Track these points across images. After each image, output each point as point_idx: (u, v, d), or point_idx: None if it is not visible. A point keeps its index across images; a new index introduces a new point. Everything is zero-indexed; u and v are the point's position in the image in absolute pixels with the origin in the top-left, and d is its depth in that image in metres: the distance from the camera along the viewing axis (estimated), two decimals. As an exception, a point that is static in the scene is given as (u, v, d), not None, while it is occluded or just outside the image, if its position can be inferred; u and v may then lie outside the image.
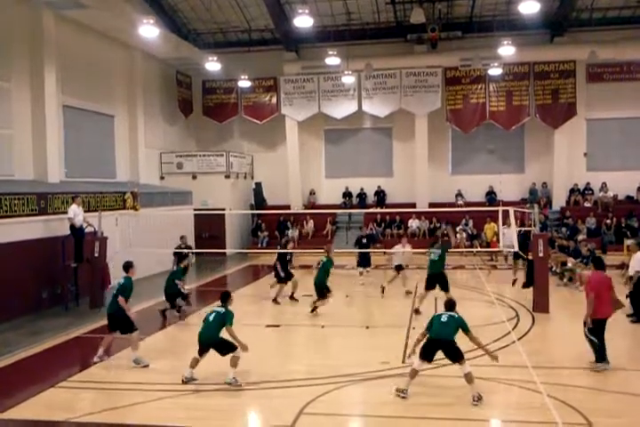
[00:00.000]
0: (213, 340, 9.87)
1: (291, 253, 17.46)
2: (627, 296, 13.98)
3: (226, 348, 9.84)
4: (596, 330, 10.26)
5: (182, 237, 18.14)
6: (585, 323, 10.35)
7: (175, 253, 17.12)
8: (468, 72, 28.59)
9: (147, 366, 10.70)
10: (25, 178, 18.48)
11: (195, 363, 9.87)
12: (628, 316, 14.01)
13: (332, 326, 13.74)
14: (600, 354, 10.21)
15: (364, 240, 19.83)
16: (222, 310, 10.10)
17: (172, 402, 9.03)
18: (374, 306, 16.69)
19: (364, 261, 19.22)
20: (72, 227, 16.45)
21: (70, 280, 16.63)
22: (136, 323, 11.07)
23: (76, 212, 16.47)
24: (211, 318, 10.06)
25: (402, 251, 17.41)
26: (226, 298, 10.29)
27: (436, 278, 14.55)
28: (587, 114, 28.50)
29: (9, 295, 14.47)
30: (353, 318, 14.60)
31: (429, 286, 14.61)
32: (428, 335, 9.26)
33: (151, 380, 10.02)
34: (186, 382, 9.75)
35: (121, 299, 11.00)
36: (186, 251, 17.44)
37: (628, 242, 23.78)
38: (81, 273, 16.71)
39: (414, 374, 9.09)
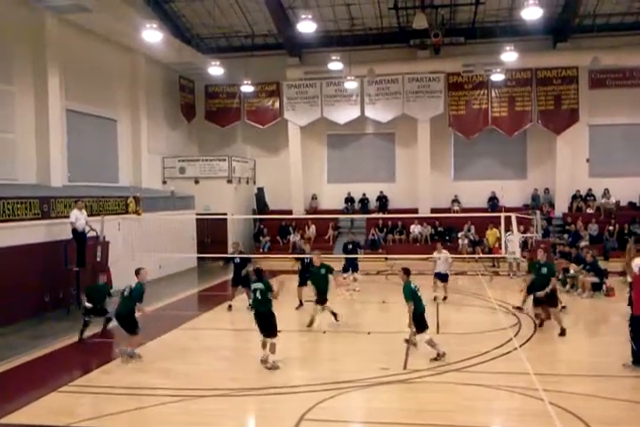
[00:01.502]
0: (264, 310, 11.02)
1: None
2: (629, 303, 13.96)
3: (274, 330, 10.97)
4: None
5: (235, 244, 17.66)
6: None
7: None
8: (471, 78, 28.62)
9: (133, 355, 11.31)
10: (28, 182, 18.51)
11: (265, 344, 10.93)
12: None
13: (333, 331, 13.74)
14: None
15: (350, 246, 19.81)
16: (262, 286, 11.07)
17: (173, 407, 9.01)
18: (376, 312, 16.68)
19: (350, 266, 19.22)
20: (74, 231, 16.48)
21: (72, 284, 16.63)
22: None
23: (77, 216, 16.50)
24: (258, 295, 11.04)
25: (437, 257, 17.23)
26: (261, 273, 11.40)
27: None
28: (589, 120, 28.50)
29: (11, 299, 14.48)
30: (354, 324, 14.58)
31: None
32: (418, 309, 11.17)
33: (153, 384, 10.02)
34: (264, 360, 10.82)
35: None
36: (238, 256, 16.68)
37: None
38: (83, 277, 16.71)
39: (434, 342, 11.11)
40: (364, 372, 10.41)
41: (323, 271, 14.25)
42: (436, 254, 17.35)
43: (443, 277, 17.00)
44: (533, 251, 15.34)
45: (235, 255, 16.65)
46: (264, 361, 10.84)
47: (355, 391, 9.63)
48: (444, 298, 17.04)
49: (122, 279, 18.17)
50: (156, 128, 27.24)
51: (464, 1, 26.24)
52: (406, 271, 11.49)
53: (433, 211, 28.51)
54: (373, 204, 30.33)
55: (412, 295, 11.03)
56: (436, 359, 10.94)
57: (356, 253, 19.88)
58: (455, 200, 29.29)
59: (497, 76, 27.41)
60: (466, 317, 15.46)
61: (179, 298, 18.76)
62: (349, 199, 30.48)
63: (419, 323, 11.10)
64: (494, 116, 28.68)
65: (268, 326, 10.97)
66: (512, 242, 18.56)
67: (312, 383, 9.82)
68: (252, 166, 31.33)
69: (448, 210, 28.66)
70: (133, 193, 21.03)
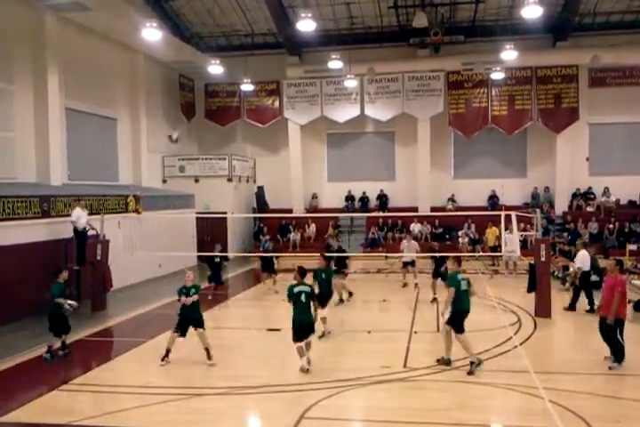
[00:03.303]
0: (311, 320, 10.49)
1: None
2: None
3: (312, 331, 10.54)
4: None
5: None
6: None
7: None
8: (471, 76, 28.61)
9: None
10: (28, 181, 18.51)
11: (302, 352, 10.35)
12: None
13: (334, 330, 13.72)
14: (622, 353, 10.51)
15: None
16: (309, 289, 10.65)
17: (173, 406, 9.01)
18: (376, 310, 16.68)
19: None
20: (75, 230, 16.47)
21: (72, 283, 16.59)
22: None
23: (79, 215, 16.50)
24: (303, 298, 10.47)
25: (406, 245, 18.93)
26: (305, 273, 10.92)
27: None
28: (589, 118, 28.49)
29: (11, 297, 14.47)
30: (354, 323, 14.57)
31: None
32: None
33: (153, 383, 10.02)
34: (307, 369, 10.32)
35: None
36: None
37: (631, 247, 23.89)
38: (83, 276, 16.71)
39: None
40: (365, 370, 10.41)
41: (193, 291, 11.58)
42: (405, 243, 19.11)
43: (411, 264, 18.61)
44: (535, 250, 15.37)
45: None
46: (305, 370, 10.34)
47: (355, 390, 9.63)
48: (416, 284, 18.11)
49: (121, 278, 18.28)
50: (156, 127, 27.22)
51: (464, -1, 26.27)
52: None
53: (433, 209, 28.53)
54: (373, 202, 30.32)
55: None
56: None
57: (343, 259, 20.25)
58: (450, 199, 29.29)
59: (497, 75, 27.42)
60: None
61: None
62: (349, 198, 30.47)
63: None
64: (494, 115, 28.67)
65: (311, 330, 10.60)
66: (510, 240, 18.66)
67: (312, 382, 9.82)
68: (252, 165, 31.33)
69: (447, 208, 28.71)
70: (133, 192, 21.03)
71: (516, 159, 29.78)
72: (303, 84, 29.70)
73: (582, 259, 15.45)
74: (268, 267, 19.44)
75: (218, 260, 17.85)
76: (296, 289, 10.59)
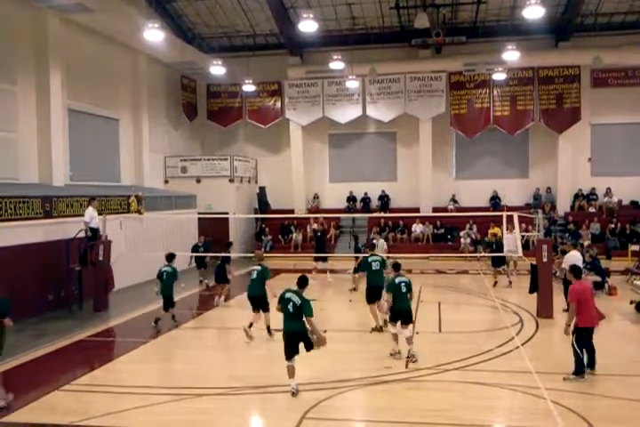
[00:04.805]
0: (301, 332, 9.33)
1: None
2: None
3: (311, 343, 9.42)
4: (583, 339, 9.86)
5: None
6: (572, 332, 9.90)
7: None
8: (473, 77, 28.60)
9: None
10: (30, 181, 18.53)
11: (292, 372, 9.35)
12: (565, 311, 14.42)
13: (335, 330, 13.72)
14: (579, 366, 9.83)
15: (319, 234, 20.93)
16: (299, 301, 9.32)
17: (174, 406, 9.02)
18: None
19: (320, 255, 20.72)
20: (90, 230, 16.48)
21: (74, 283, 16.65)
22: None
23: (92, 215, 16.53)
24: (291, 308, 9.34)
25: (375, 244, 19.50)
26: (304, 283, 9.62)
27: None
28: (591, 119, 28.47)
29: (13, 298, 14.36)
30: (356, 323, 14.59)
31: None
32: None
33: (155, 383, 10.04)
34: (295, 393, 9.25)
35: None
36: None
37: (633, 247, 23.89)
38: (85, 276, 16.73)
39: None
40: (367, 370, 10.42)
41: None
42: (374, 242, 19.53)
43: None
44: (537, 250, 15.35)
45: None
46: (293, 393, 9.32)
47: (357, 390, 9.65)
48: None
49: (123, 278, 18.30)
50: (158, 127, 27.26)
51: (465, 0, 26.24)
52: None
53: (434, 210, 28.53)
54: (375, 203, 30.33)
55: None
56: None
57: (323, 241, 20.70)
58: (452, 199, 29.30)
59: (499, 75, 27.40)
60: (468, 315, 15.46)
61: (180, 297, 18.68)
62: (351, 198, 30.48)
63: None
64: (496, 115, 28.67)
65: (308, 342, 9.44)
66: (509, 240, 18.72)
67: (314, 382, 9.82)
68: (254, 166, 31.35)
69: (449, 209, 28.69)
70: (135, 192, 21.04)
71: (517, 160, 29.77)
72: (305, 85, 29.72)
73: (571, 259, 14.77)
74: (221, 275, 17.43)
75: (202, 250, 19.74)
76: (286, 295, 9.51)
